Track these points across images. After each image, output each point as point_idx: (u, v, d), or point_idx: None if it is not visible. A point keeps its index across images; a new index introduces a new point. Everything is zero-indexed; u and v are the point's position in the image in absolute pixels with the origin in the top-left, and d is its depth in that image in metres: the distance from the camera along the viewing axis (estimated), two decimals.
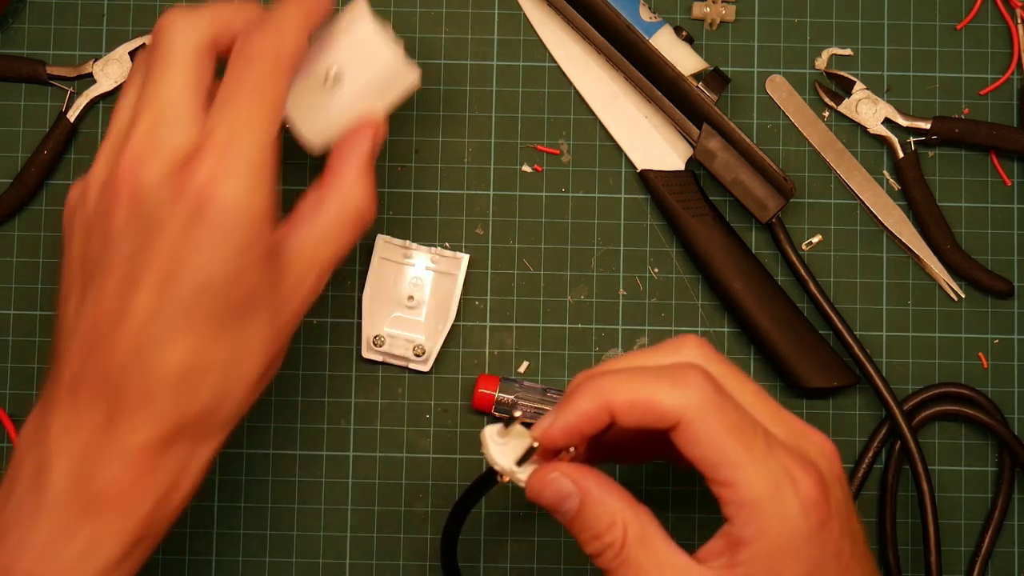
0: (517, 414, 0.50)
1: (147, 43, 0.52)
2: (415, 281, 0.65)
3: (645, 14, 0.66)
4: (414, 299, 0.65)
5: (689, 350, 0.50)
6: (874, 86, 0.67)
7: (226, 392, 0.50)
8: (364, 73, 0.54)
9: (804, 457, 0.48)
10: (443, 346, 0.65)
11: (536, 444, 0.49)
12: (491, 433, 0.51)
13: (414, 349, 0.64)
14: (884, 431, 0.65)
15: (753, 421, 0.48)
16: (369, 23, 0.54)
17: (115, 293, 0.49)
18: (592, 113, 0.67)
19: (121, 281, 0.49)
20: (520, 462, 0.50)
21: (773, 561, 0.46)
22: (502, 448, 0.51)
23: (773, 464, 0.47)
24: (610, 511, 0.48)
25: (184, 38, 0.50)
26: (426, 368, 0.65)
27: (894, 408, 0.64)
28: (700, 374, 0.48)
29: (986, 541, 0.65)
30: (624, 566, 0.48)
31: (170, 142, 0.49)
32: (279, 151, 0.50)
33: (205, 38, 0.51)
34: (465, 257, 0.65)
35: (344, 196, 0.53)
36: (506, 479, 0.51)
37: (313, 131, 0.55)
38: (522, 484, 0.50)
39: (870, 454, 0.65)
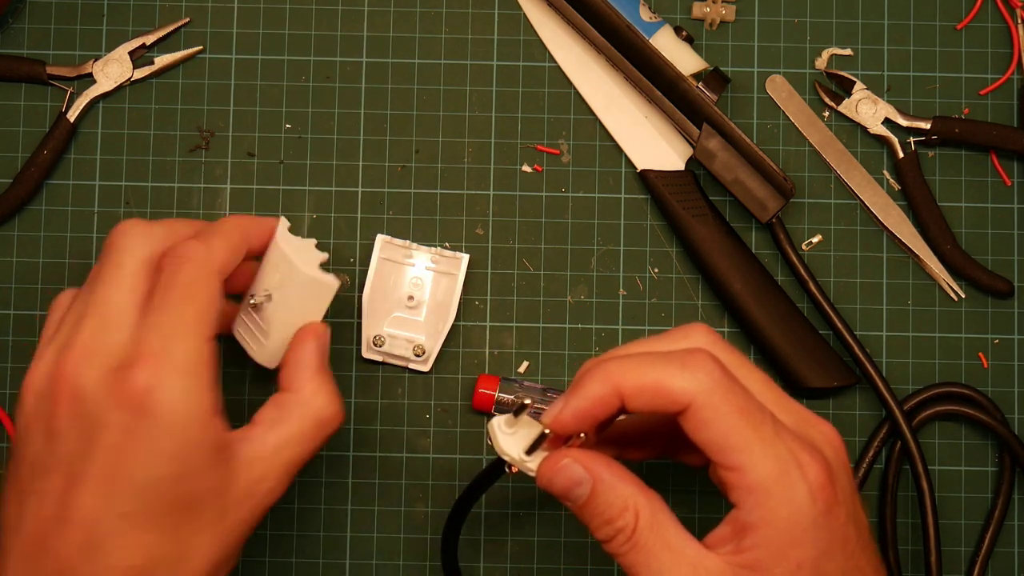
0: (527, 402, 0.50)
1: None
2: (415, 281, 0.65)
3: (645, 14, 0.66)
4: (414, 299, 0.65)
5: (697, 337, 0.50)
6: (874, 86, 0.67)
7: None
8: (288, 292, 0.55)
9: (811, 444, 0.48)
10: (443, 346, 0.65)
11: (547, 431, 0.49)
12: (499, 423, 0.51)
13: (414, 349, 0.64)
14: (884, 431, 0.65)
15: (761, 406, 0.48)
16: (281, 246, 0.55)
17: (57, 495, 0.49)
18: (592, 113, 0.67)
19: (63, 482, 0.49)
20: (529, 451, 0.50)
21: (781, 545, 0.47)
22: (511, 438, 0.51)
23: (781, 449, 0.47)
24: (622, 496, 0.48)
25: (134, 249, 0.52)
26: (426, 368, 0.65)
27: (894, 408, 0.64)
28: (709, 359, 0.48)
29: (986, 541, 0.65)
30: (635, 551, 0.48)
31: (111, 346, 0.50)
32: (216, 349, 0.51)
33: (154, 250, 0.53)
34: (465, 257, 0.65)
35: (305, 406, 0.54)
36: (515, 469, 0.51)
37: (261, 353, 0.57)
38: (532, 473, 0.50)
39: (870, 454, 0.65)
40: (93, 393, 0.49)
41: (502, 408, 0.64)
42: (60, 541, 0.49)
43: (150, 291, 0.52)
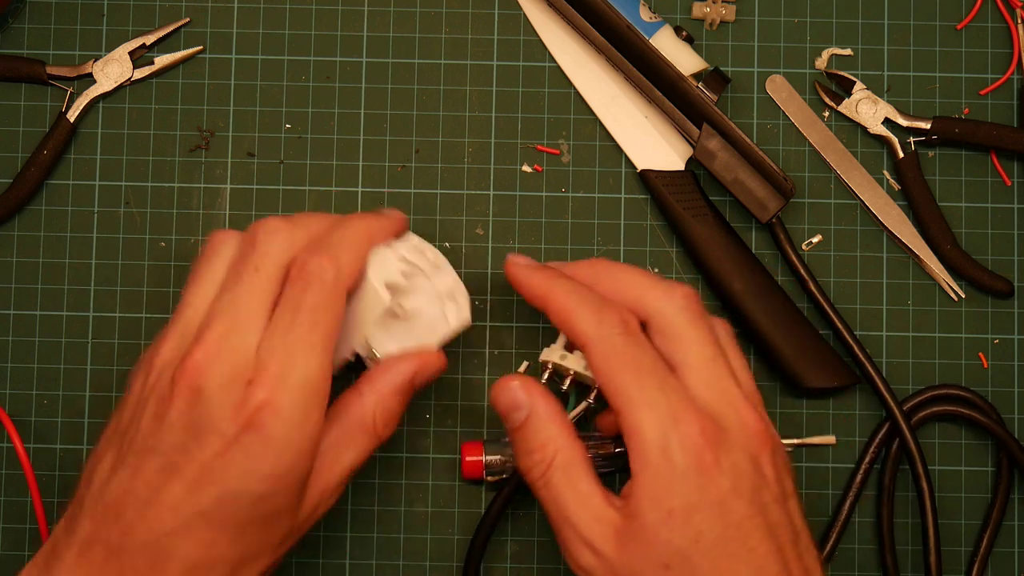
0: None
1: (239, 242, 0.55)
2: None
3: (645, 14, 0.66)
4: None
5: (678, 296, 0.55)
6: (874, 86, 0.67)
7: None
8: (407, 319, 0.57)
9: (706, 411, 0.52)
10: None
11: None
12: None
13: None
14: (883, 432, 0.65)
15: (654, 366, 0.52)
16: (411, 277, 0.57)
17: (151, 476, 0.50)
18: (592, 113, 0.67)
19: (159, 467, 0.50)
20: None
21: (656, 490, 0.50)
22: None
23: (661, 402, 0.51)
24: (547, 433, 0.54)
25: (275, 254, 0.53)
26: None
27: (894, 408, 0.64)
28: (619, 318, 0.53)
29: (984, 541, 0.65)
30: (547, 487, 0.53)
31: (238, 351, 0.51)
32: (331, 371, 0.53)
33: (291, 254, 0.54)
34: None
35: (362, 406, 0.55)
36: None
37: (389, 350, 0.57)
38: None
39: (867, 458, 0.65)
40: (211, 396, 0.50)
41: (493, 471, 0.63)
42: (136, 518, 0.50)
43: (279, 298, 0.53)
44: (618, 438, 0.64)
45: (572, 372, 0.57)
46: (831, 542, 0.64)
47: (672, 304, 0.54)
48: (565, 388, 0.58)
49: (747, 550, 0.50)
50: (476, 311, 0.66)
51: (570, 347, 0.58)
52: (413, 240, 0.59)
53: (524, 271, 0.57)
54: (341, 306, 0.53)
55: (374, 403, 0.55)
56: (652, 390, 0.52)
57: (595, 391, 0.56)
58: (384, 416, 0.55)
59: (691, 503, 0.50)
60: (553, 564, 0.65)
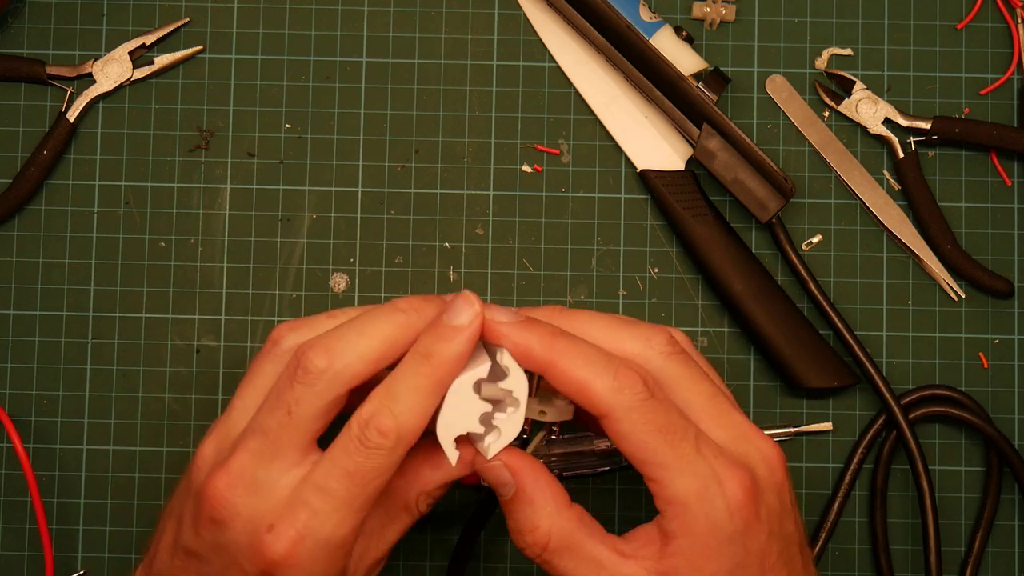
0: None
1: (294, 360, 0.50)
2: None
3: (645, 14, 0.66)
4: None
5: (657, 343, 0.52)
6: (874, 86, 0.67)
7: None
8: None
9: (739, 461, 0.50)
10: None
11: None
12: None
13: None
14: (877, 424, 0.65)
15: (685, 424, 0.49)
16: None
17: None
18: (592, 113, 0.67)
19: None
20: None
21: (696, 557, 0.49)
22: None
23: (701, 465, 0.49)
24: (537, 515, 0.51)
25: (316, 400, 0.49)
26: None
27: (895, 408, 0.64)
28: (639, 380, 0.49)
29: (977, 540, 0.65)
30: (548, 566, 0.51)
31: (262, 490, 0.49)
32: (362, 524, 0.50)
33: (347, 390, 0.50)
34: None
35: (406, 492, 0.53)
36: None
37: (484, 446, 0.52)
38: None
39: (862, 444, 0.65)
40: (233, 532, 0.49)
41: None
42: None
43: (329, 421, 0.50)
44: None
45: (556, 426, 0.55)
46: (822, 540, 0.65)
47: (655, 351, 0.52)
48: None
49: None
50: None
51: (543, 392, 0.53)
52: (500, 358, 0.51)
53: (514, 331, 0.50)
54: (394, 468, 0.49)
55: (418, 492, 0.53)
56: (688, 453, 0.49)
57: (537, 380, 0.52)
58: (427, 501, 0.53)
59: (736, 563, 0.49)
60: None
